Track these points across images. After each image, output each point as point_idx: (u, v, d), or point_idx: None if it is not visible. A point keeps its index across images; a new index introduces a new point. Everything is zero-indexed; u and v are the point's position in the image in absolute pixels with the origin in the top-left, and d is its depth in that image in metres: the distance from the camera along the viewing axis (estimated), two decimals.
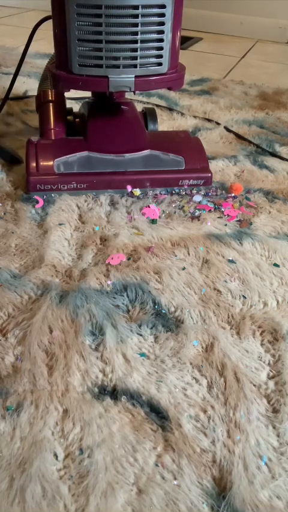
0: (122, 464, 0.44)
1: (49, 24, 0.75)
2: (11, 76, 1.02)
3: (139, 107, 0.96)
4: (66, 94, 0.84)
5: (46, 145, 0.84)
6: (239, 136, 1.10)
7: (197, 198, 0.84)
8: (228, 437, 0.47)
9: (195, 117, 1.20)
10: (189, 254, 0.70)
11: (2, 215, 0.78)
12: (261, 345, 0.57)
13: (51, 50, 0.79)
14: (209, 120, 1.18)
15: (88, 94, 0.89)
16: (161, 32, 0.70)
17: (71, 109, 0.92)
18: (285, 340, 0.57)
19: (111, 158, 0.83)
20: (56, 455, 0.44)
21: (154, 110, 0.95)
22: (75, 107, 0.96)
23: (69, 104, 0.94)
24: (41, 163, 0.81)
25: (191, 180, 0.85)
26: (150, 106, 1.03)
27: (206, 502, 0.42)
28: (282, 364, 0.54)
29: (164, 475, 0.43)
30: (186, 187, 0.86)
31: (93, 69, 0.72)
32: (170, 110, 1.23)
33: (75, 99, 1.18)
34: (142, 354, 0.55)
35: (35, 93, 0.94)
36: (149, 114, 0.93)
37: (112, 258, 0.68)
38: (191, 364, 0.54)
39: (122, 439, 0.46)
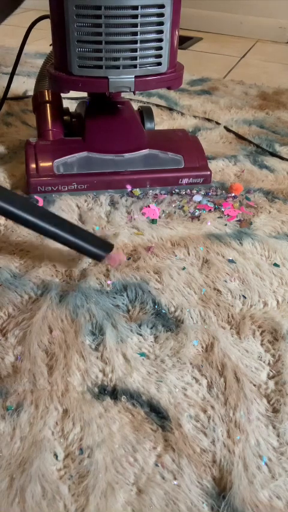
0: (122, 464, 0.44)
1: (48, 23, 0.75)
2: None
3: (137, 107, 0.96)
4: (63, 94, 0.84)
5: (45, 146, 0.84)
6: (239, 136, 1.10)
7: (197, 198, 0.84)
8: (228, 437, 0.47)
9: (195, 117, 1.20)
10: (189, 254, 0.70)
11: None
12: (261, 344, 0.57)
13: (50, 49, 0.79)
14: (209, 120, 1.18)
15: (84, 94, 0.89)
16: (160, 31, 0.70)
17: (68, 109, 0.92)
18: (285, 340, 0.57)
19: (111, 158, 0.83)
20: (56, 455, 0.44)
21: (150, 108, 0.95)
22: (72, 106, 0.96)
23: (65, 103, 0.94)
24: (41, 165, 0.81)
25: (191, 179, 0.85)
26: (146, 105, 1.03)
27: (206, 502, 0.42)
28: (282, 364, 0.54)
29: (164, 475, 0.43)
30: (185, 185, 0.86)
31: (93, 70, 0.72)
32: (170, 109, 1.23)
33: (72, 98, 1.18)
34: (142, 354, 0.55)
35: None
36: (146, 113, 0.93)
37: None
38: (191, 364, 0.54)
39: (122, 439, 0.46)
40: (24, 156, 0.84)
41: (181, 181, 0.85)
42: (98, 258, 0.65)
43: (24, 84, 1.32)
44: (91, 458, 0.44)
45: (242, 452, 0.45)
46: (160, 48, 0.72)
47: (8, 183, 0.86)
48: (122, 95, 0.86)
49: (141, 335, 0.57)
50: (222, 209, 0.81)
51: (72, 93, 0.77)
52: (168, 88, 0.78)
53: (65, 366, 0.52)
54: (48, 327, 0.57)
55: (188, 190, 0.86)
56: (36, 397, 0.49)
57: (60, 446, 0.45)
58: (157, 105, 1.25)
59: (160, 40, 0.71)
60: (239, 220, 0.79)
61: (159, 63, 0.73)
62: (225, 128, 1.14)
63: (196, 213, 0.80)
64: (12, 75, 0.99)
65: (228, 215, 0.80)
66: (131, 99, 1.10)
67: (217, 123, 1.17)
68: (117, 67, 0.71)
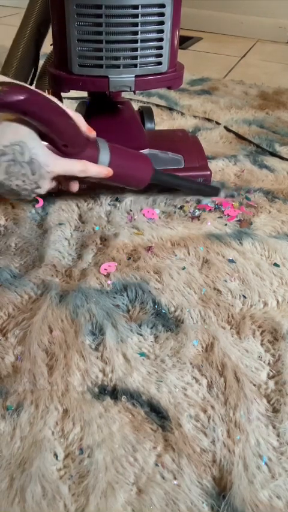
0: (122, 464, 0.44)
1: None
2: None
3: (137, 107, 0.96)
4: (64, 94, 0.84)
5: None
6: (239, 136, 1.10)
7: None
8: (228, 437, 0.47)
9: (195, 116, 1.20)
10: (189, 254, 0.70)
11: (2, 215, 0.78)
12: (261, 344, 0.57)
13: (50, 48, 0.79)
14: (209, 120, 1.18)
15: (85, 94, 0.89)
16: (161, 31, 0.70)
17: None
18: (285, 340, 0.57)
19: None
20: (56, 455, 0.44)
21: (151, 108, 0.95)
22: (72, 106, 0.96)
23: (65, 103, 0.93)
24: None
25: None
26: (146, 105, 1.03)
27: (206, 502, 0.42)
28: (282, 364, 0.54)
29: (164, 475, 0.43)
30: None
31: (93, 70, 0.71)
32: (170, 109, 1.23)
33: (72, 98, 1.18)
34: (142, 354, 0.55)
35: None
36: (146, 113, 0.93)
37: (105, 268, 0.67)
38: (191, 364, 0.54)
39: (122, 439, 0.46)
40: None
41: None
42: (216, 192, 0.83)
43: None
44: (91, 458, 0.44)
45: (242, 452, 0.45)
46: (160, 47, 0.72)
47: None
48: (122, 94, 0.86)
49: (141, 335, 0.57)
50: (222, 209, 0.81)
51: (72, 93, 0.77)
52: (169, 88, 0.78)
53: (65, 365, 0.52)
54: (48, 327, 0.57)
55: None
56: (36, 397, 0.49)
57: (60, 446, 0.45)
58: (157, 105, 1.25)
59: (160, 40, 0.71)
60: (239, 220, 0.79)
61: (159, 63, 0.73)
62: (225, 127, 1.14)
63: (196, 213, 0.80)
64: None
65: (228, 215, 0.80)
66: (131, 99, 1.10)
67: (217, 123, 1.17)
68: (118, 66, 0.71)
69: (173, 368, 0.53)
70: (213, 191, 0.83)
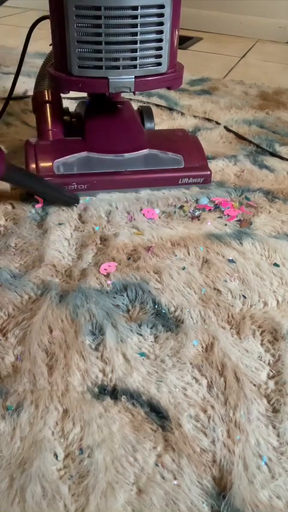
0: (122, 464, 0.44)
1: (48, 23, 0.75)
2: (11, 76, 1.01)
3: (137, 107, 0.96)
4: (63, 94, 0.84)
5: (45, 146, 0.84)
6: (239, 136, 1.10)
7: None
8: (228, 437, 0.47)
9: (195, 116, 1.20)
10: (189, 254, 0.70)
11: (2, 215, 0.78)
12: (261, 344, 0.57)
13: (49, 49, 0.79)
14: (209, 120, 1.18)
15: (84, 94, 0.89)
16: (160, 32, 0.70)
17: (67, 109, 0.92)
18: (285, 340, 0.57)
19: (111, 158, 0.83)
20: (56, 455, 0.44)
21: (150, 108, 0.95)
22: (72, 106, 0.96)
23: (65, 103, 0.94)
24: (41, 165, 0.81)
25: (191, 179, 0.85)
26: (146, 105, 1.03)
27: (206, 502, 0.42)
28: (282, 364, 0.54)
29: (164, 475, 0.43)
30: (185, 185, 0.86)
31: (93, 71, 0.71)
32: (170, 109, 1.23)
33: (72, 98, 1.18)
34: (142, 354, 0.55)
35: None
36: (146, 113, 0.93)
37: (105, 268, 0.67)
38: (191, 364, 0.54)
39: (122, 439, 0.46)
40: (24, 156, 0.84)
41: (181, 181, 0.85)
42: (75, 201, 0.81)
43: (24, 84, 1.32)
44: (91, 458, 0.44)
45: (242, 452, 0.45)
46: (160, 48, 0.72)
47: (7, 183, 0.86)
48: (122, 95, 0.86)
49: (141, 335, 0.57)
50: (222, 209, 0.81)
51: (72, 93, 0.77)
52: (168, 88, 0.78)
53: (65, 365, 0.52)
54: (48, 327, 0.57)
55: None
56: (36, 397, 0.49)
57: (60, 446, 0.45)
58: (157, 105, 1.25)
59: (160, 40, 0.71)
60: (239, 220, 0.79)
61: (159, 63, 0.73)
62: (225, 127, 1.14)
63: (196, 213, 0.80)
64: (15, 78, 0.99)
65: (228, 215, 0.80)
66: (131, 99, 1.10)
67: (217, 123, 1.17)
68: (117, 67, 0.71)
69: (173, 368, 0.53)
70: (73, 200, 0.80)
